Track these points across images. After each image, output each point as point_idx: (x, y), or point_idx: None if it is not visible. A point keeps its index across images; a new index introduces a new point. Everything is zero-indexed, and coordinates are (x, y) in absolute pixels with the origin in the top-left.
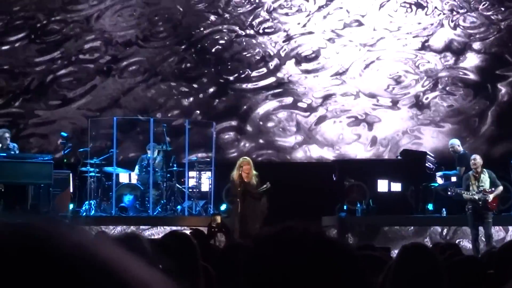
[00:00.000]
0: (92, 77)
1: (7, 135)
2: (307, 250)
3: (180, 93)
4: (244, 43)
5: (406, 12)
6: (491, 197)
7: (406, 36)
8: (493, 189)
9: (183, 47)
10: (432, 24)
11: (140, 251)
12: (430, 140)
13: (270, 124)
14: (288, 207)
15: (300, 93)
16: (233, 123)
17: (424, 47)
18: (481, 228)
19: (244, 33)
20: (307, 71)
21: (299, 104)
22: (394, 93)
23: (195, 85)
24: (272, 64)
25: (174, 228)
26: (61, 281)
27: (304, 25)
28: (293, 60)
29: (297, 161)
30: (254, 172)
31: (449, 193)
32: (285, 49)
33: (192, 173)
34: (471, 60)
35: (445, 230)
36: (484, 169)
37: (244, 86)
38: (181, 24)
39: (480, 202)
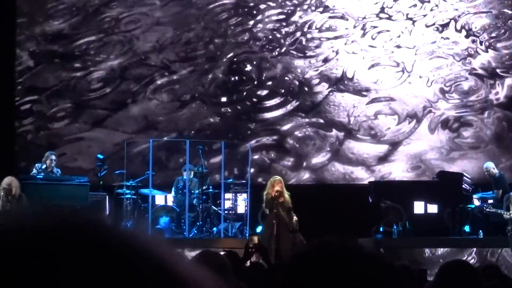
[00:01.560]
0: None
1: (53, 157)
2: (346, 265)
3: (215, 114)
4: (279, 65)
5: (447, 37)
6: None
7: (446, 58)
8: None
9: (219, 69)
10: (475, 47)
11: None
12: (467, 162)
13: (304, 145)
14: (324, 229)
15: (335, 113)
16: (268, 144)
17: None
18: None
19: (277, 53)
20: (340, 90)
21: (334, 124)
22: (430, 115)
23: (229, 108)
24: (306, 84)
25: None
26: (125, 275)
27: (334, 48)
28: (327, 80)
29: (332, 182)
30: (287, 192)
31: (485, 210)
32: (318, 70)
33: (228, 195)
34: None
35: (483, 252)
36: None
37: (275, 107)
38: (215, 45)
39: None
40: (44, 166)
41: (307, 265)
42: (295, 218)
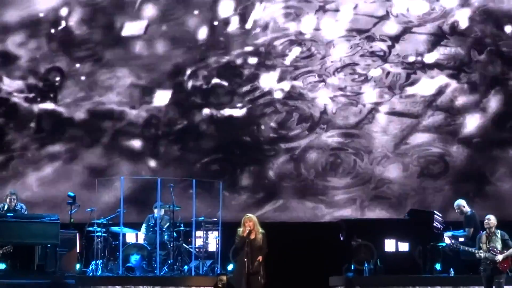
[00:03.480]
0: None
1: (14, 196)
2: None
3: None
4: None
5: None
6: (500, 257)
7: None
8: (504, 250)
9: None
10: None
11: None
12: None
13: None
14: (295, 267)
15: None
16: (240, 181)
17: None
18: None
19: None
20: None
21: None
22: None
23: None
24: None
25: None
26: None
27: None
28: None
29: (304, 221)
30: (261, 230)
31: (456, 246)
32: None
33: (199, 233)
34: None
35: None
36: (498, 230)
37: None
38: None
39: (489, 261)
40: (6, 207)
41: None
42: (259, 258)
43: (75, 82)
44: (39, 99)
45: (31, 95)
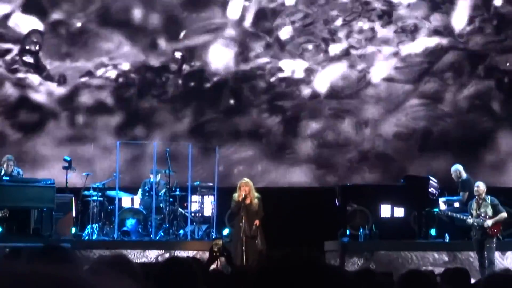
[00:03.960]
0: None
1: (11, 162)
2: (307, 280)
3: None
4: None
5: None
6: (489, 222)
7: None
8: (494, 216)
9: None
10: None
11: (130, 273)
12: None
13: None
14: (291, 232)
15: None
16: (236, 147)
17: None
18: None
19: None
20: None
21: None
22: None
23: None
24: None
25: (177, 252)
26: None
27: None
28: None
29: (300, 186)
30: (256, 194)
31: (440, 211)
32: None
33: (195, 198)
34: None
35: (446, 256)
36: (488, 196)
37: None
38: None
39: (478, 227)
40: (3, 172)
41: (269, 279)
42: (256, 222)
43: None
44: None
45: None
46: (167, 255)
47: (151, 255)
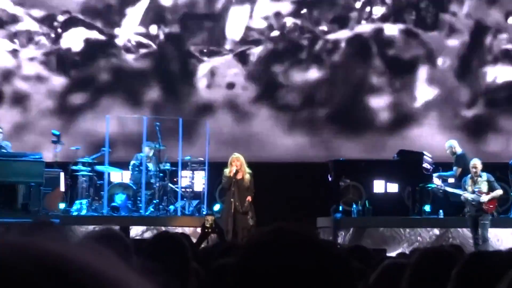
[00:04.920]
0: None
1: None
2: (299, 256)
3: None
4: None
5: None
6: (485, 198)
7: None
8: (489, 192)
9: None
10: None
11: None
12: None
13: (261, 123)
14: (283, 208)
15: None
16: (227, 121)
17: None
18: None
19: None
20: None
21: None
22: None
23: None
24: None
25: (167, 228)
26: None
27: None
28: None
29: (292, 161)
30: (248, 170)
31: (436, 186)
32: None
33: (186, 173)
34: None
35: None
36: (483, 173)
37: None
38: None
39: (474, 203)
40: None
41: (259, 255)
42: (248, 199)
43: None
44: None
45: None
46: (155, 231)
47: (140, 230)
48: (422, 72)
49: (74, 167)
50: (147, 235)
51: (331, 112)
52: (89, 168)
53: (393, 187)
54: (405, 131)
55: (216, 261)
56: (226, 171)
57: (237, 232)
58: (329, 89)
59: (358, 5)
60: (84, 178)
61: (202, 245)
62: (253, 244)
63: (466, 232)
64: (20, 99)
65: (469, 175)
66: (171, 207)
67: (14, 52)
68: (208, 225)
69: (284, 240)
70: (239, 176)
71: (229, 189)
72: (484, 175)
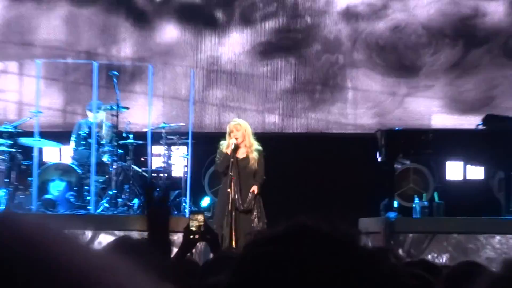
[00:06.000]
0: None
1: None
2: (325, 264)
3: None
4: None
5: None
6: None
7: None
8: None
9: None
10: None
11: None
12: None
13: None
14: (306, 203)
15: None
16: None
17: None
18: None
19: None
20: None
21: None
22: None
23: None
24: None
25: (128, 232)
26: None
27: None
28: None
29: (319, 131)
30: (256, 145)
31: None
32: None
33: (158, 149)
34: None
35: None
36: None
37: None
38: None
39: None
40: None
41: (265, 261)
42: (253, 189)
43: None
44: None
45: None
46: (111, 238)
47: (88, 236)
48: None
49: None
50: (98, 242)
51: None
52: (10, 142)
53: (477, 172)
54: None
55: (204, 280)
56: (223, 145)
57: (237, 239)
58: None
59: None
60: (2, 157)
61: (186, 258)
62: (251, 256)
63: None
64: None
65: None
66: (135, 201)
67: None
68: (194, 229)
69: (303, 243)
70: (240, 155)
71: (225, 174)
72: None
